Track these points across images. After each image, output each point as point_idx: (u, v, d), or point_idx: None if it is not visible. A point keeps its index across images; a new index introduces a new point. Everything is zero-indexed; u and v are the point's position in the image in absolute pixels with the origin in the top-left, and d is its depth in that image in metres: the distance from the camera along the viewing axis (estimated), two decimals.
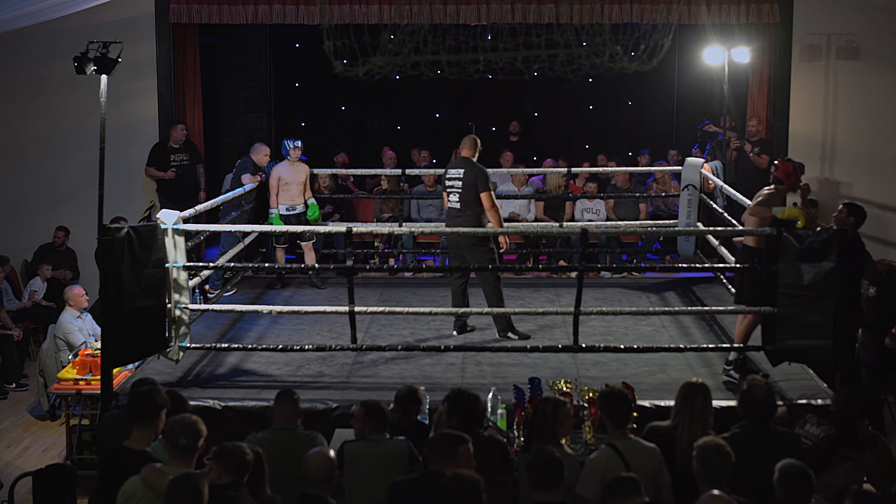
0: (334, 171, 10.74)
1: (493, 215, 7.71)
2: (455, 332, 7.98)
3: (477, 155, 7.83)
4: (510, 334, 7.83)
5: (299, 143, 9.46)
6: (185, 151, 10.66)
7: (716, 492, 4.00)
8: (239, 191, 9.31)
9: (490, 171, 10.60)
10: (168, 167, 10.56)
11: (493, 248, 7.77)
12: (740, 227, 7.74)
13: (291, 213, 9.38)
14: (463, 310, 7.74)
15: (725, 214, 8.80)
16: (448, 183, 7.83)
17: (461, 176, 7.71)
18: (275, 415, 5.22)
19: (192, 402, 5.47)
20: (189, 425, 4.45)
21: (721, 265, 8.58)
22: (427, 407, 6.07)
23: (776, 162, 7.20)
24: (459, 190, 7.72)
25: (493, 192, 7.73)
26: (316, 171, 10.03)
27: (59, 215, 10.90)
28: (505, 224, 8.43)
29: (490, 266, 7.60)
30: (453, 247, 7.90)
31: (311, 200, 9.54)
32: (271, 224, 9.23)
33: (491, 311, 7.57)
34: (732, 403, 5.71)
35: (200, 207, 8.00)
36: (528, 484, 4.22)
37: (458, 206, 7.76)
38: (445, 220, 8.03)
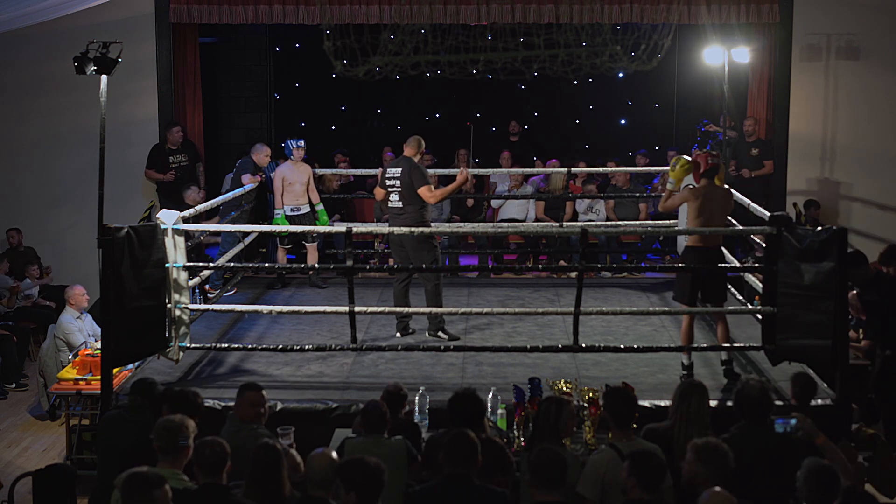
0: (336, 170, 10.75)
1: (433, 201, 7.70)
2: (398, 334, 7.96)
3: (419, 156, 7.78)
4: (440, 333, 7.81)
5: (302, 143, 9.42)
6: (183, 152, 10.66)
7: (717, 489, 3.99)
8: (239, 191, 9.31)
9: (490, 171, 10.73)
10: (167, 169, 10.55)
11: (436, 246, 7.78)
12: (740, 227, 7.74)
13: (296, 213, 9.34)
14: (474, 310, 7.71)
15: None
16: (388, 182, 7.81)
17: (399, 175, 7.71)
18: None
19: None
20: (177, 426, 4.43)
21: (720, 265, 8.55)
22: (427, 407, 6.08)
23: (696, 156, 6.99)
24: (399, 189, 7.72)
25: (431, 185, 7.70)
26: (319, 171, 10.04)
27: (59, 215, 10.91)
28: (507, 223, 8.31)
29: (492, 267, 7.56)
30: (396, 246, 7.87)
31: (320, 206, 9.51)
32: (277, 225, 9.21)
33: (491, 311, 7.55)
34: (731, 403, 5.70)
35: (200, 207, 8.01)
36: (530, 484, 4.21)
37: (399, 205, 7.76)
38: (388, 220, 8.00)
